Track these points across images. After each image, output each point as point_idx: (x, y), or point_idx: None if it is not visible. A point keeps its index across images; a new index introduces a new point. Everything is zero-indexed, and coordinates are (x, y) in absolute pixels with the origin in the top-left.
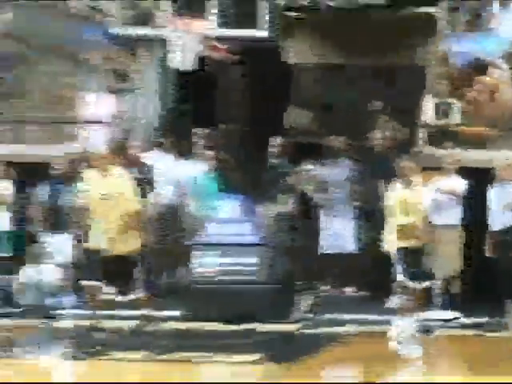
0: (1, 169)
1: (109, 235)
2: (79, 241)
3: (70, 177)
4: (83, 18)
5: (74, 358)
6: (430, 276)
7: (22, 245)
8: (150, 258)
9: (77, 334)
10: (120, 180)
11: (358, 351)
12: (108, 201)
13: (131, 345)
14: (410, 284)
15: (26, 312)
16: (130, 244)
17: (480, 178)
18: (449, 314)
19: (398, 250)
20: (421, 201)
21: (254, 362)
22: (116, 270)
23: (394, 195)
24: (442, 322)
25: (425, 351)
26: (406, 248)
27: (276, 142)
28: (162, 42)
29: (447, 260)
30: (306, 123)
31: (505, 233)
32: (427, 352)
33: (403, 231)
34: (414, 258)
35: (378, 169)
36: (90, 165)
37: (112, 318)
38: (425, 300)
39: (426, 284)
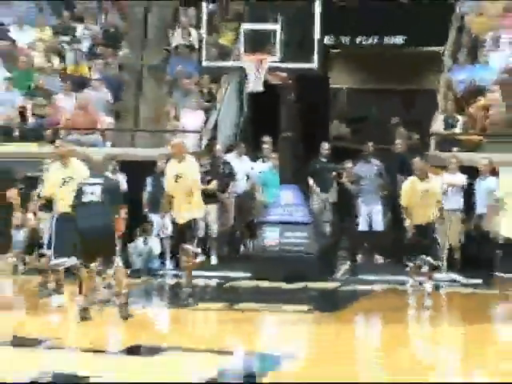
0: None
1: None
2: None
3: None
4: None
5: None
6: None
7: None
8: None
9: (174, 289)
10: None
11: (384, 303)
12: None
13: (214, 298)
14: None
15: (138, 272)
16: (194, 213)
17: (475, 174)
18: (453, 276)
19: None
20: (435, 190)
21: (305, 312)
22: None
23: (411, 186)
24: (448, 282)
25: (434, 304)
26: (421, 225)
27: (325, 146)
28: (239, 71)
29: (452, 235)
30: (345, 133)
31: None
32: (436, 304)
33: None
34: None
35: (398, 167)
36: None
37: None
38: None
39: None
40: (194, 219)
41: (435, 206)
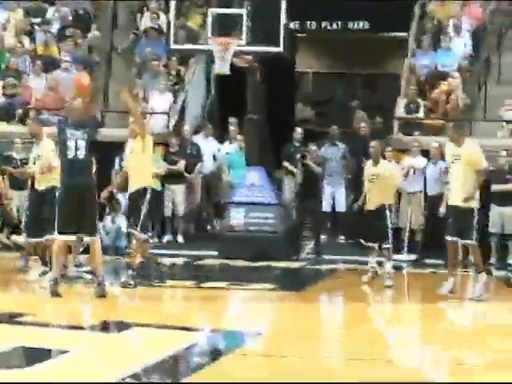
0: None
1: None
2: None
3: None
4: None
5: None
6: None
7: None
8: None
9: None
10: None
11: (346, 282)
12: None
13: (181, 276)
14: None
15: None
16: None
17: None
18: (413, 257)
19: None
20: (385, 174)
21: (270, 290)
22: None
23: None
24: (408, 263)
25: (395, 283)
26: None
27: (298, 131)
28: (206, 53)
29: (413, 217)
30: (310, 116)
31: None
32: (397, 283)
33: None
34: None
35: (362, 150)
36: None
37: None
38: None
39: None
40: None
41: (389, 190)
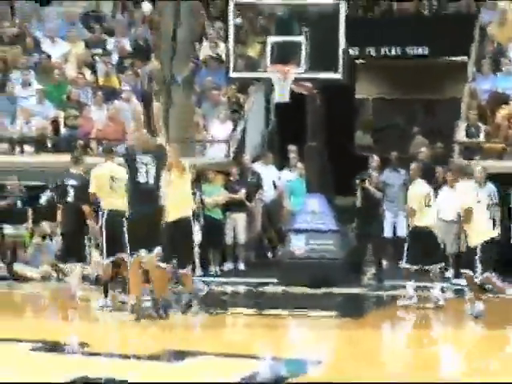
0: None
1: None
2: None
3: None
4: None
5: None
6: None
7: None
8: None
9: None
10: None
11: (409, 308)
12: None
13: (244, 303)
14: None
15: None
16: None
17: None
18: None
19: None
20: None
21: (332, 317)
22: None
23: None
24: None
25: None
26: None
27: (374, 158)
28: (266, 81)
29: None
30: (369, 142)
31: None
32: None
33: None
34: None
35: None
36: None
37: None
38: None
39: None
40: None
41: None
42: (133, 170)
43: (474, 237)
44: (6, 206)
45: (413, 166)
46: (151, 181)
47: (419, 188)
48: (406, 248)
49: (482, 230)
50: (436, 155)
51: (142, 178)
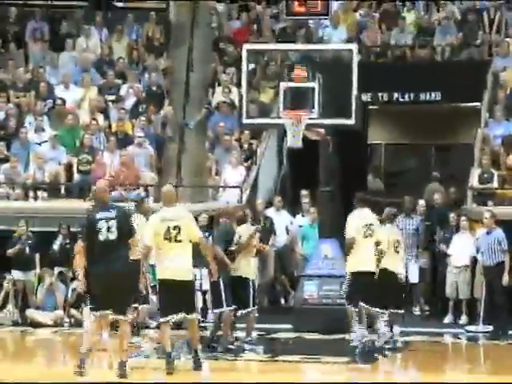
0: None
1: None
2: None
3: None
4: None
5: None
6: None
7: None
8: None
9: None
10: None
11: (423, 355)
12: None
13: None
14: None
15: None
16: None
17: None
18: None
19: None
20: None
21: (345, 363)
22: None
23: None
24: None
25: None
26: None
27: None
28: (278, 127)
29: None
30: (381, 187)
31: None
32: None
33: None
34: None
35: (437, 221)
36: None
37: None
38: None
39: None
40: None
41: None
42: None
43: None
44: (15, 251)
45: (386, 210)
46: None
47: (391, 231)
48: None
49: None
50: (449, 201)
51: None
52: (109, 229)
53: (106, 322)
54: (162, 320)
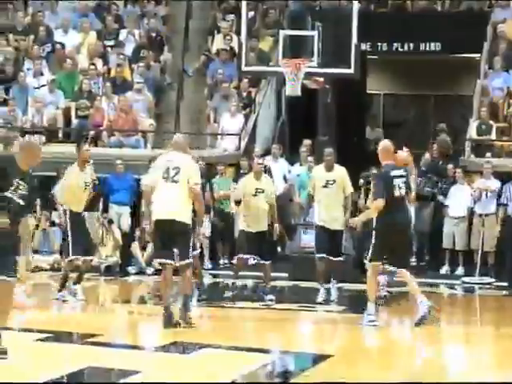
0: None
1: None
2: None
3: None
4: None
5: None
6: None
7: None
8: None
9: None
10: None
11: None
12: None
13: (252, 297)
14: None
15: None
16: None
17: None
18: (487, 280)
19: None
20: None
21: (341, 312)
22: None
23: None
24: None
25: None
26: None
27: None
28: (277, 75)
29: (486, 239)
30: (380, 137)
31: None
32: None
33: None
34: None
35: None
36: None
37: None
38: None
39: None
40: None
41: None
42: None
43: None
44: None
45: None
46: None
47: None
48: None
49: None
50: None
51: None
52: None
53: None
54: (157, 262)
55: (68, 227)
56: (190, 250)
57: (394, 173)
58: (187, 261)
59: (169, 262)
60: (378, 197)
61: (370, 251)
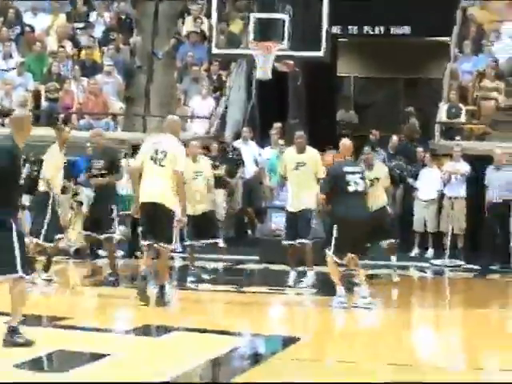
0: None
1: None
2: None
3: None
4: (190, 40)
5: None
6: None
7: None
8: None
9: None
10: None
11: (385, 288)
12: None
13: (222, 280)
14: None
15: None
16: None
17: (479, 163)
18: (456, 262)
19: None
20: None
21: (311, 294)
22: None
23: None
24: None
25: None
26: None
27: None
28: (248, 58)
29: (455, 222)
30: (351, 120)
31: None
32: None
33: None
34: None
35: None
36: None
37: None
38: None
39: None
40: None
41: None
42: None
43: None
44: None
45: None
46: None
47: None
48: None
49: None
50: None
51: None
52: None
53: None
54: (142, 243)
55: (48, 209)
56: (173, 235)
57: (347, 169)
58: (167, 245)
59: (152, 243)
60: (322, 191)
61: (333, 246)
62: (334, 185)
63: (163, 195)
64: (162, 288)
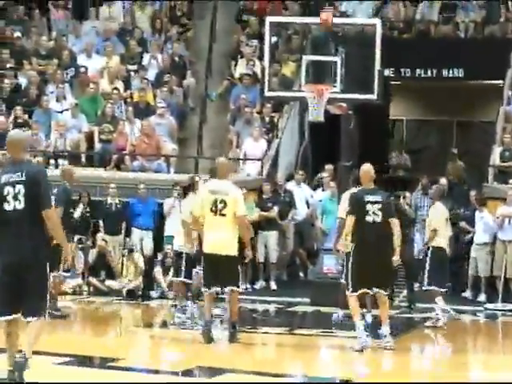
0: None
1: None
2: None
3: None
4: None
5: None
6: None
7: None
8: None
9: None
10: None
11: (439, 332)
12: None
13: (274, 322)
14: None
15: None
16: None
17: None
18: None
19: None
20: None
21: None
22: None
23: None
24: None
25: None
26: None
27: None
28: (300, 100)
29: (510, 266)
30: (403, 162)
31: None
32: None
33: None
34: None
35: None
36: None
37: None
38: None
39: None
40: None
41: None
42: None
43: None
44: None
45: (434, 188)
46: None
47: (440, 210)
48: (427, 269)
49: None
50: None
51: None
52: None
53: None
54: (204, 291)
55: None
56: (239, 278)
57: (368, 198)
58: (236, 288)
59: (214, 291)
60: (348, 214)
61: (350, 282)
62: (352, 212)
63: (227, 247)
64: (234, 327)
